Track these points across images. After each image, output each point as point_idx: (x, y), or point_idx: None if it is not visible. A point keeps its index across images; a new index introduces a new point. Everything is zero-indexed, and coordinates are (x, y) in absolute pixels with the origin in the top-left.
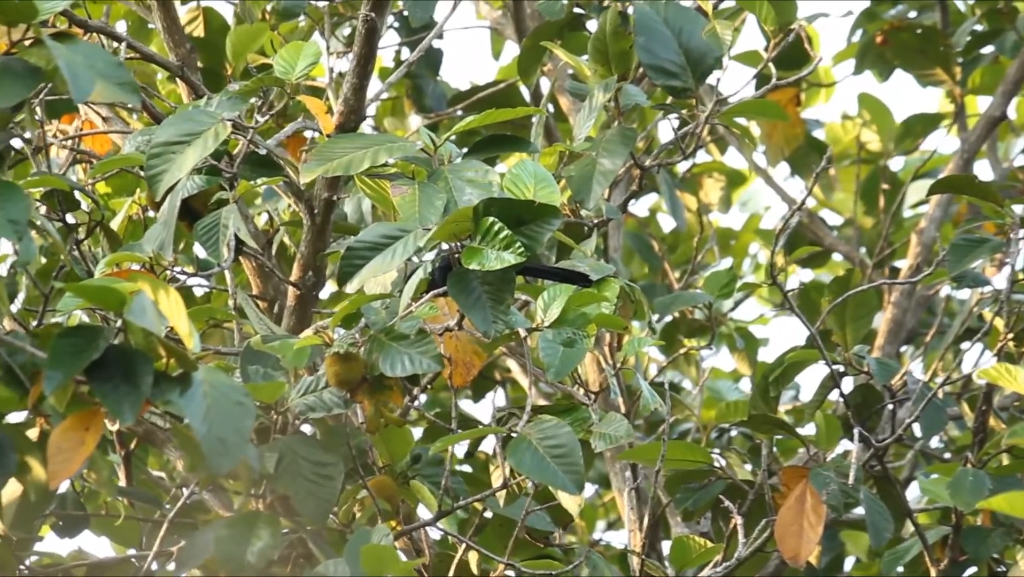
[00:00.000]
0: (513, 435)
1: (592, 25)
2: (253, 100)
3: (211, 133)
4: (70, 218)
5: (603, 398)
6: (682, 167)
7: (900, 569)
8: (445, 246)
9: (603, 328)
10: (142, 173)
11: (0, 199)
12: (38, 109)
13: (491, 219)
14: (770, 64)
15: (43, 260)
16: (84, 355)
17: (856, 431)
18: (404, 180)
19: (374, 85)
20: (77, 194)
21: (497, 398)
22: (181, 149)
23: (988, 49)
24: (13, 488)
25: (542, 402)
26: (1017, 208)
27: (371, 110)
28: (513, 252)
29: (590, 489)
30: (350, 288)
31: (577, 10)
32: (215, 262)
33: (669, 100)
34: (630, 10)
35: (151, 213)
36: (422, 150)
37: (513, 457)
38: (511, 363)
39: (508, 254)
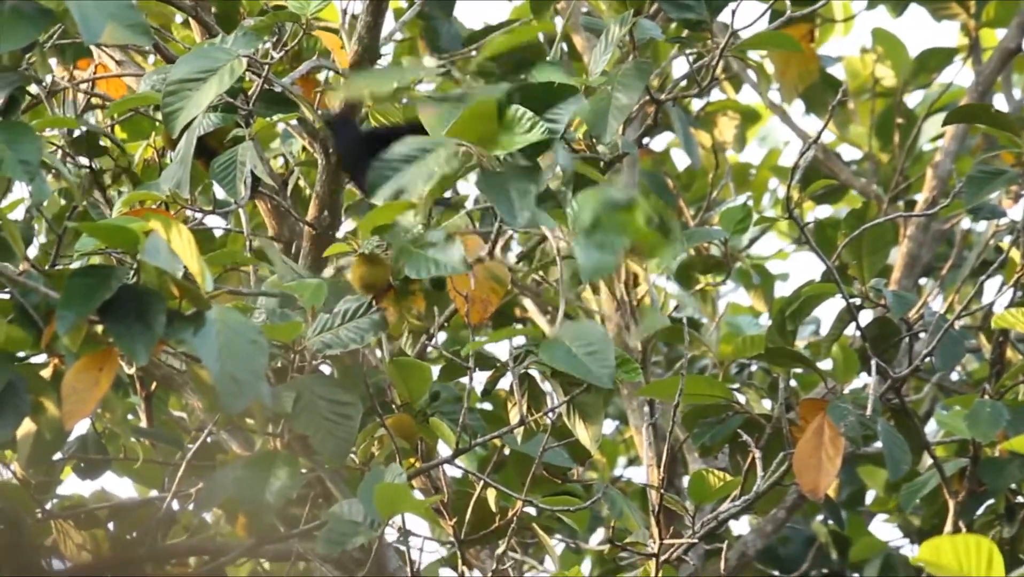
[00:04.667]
0: (531, 372)
1: None
2: (268, 39)
3: (227, 69)
4: (96, 165)
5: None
6: (696, 105)
7: (918, 502)
8: None
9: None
10: (158, 113)
11: (12, 140)
12: (54, 54)
13: (514, 107)
14: None
15: (62, 202)
16: (97, 295)
17: (873, 363)
18: (432, 102)
19: (388, 25)
20: (102, 140)
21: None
22: (197, 86)
23: None
24: (28, 427)
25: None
26: None
27: (387, 51)
28: (536, 132)
29: (610, 425)
30: (378, 200)
31: None
32: (232, 200)
33: (684, 34)
34: None
35: (168, 156)
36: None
37: (546, 354)
38: (528, 303)
39: (532, 135)
